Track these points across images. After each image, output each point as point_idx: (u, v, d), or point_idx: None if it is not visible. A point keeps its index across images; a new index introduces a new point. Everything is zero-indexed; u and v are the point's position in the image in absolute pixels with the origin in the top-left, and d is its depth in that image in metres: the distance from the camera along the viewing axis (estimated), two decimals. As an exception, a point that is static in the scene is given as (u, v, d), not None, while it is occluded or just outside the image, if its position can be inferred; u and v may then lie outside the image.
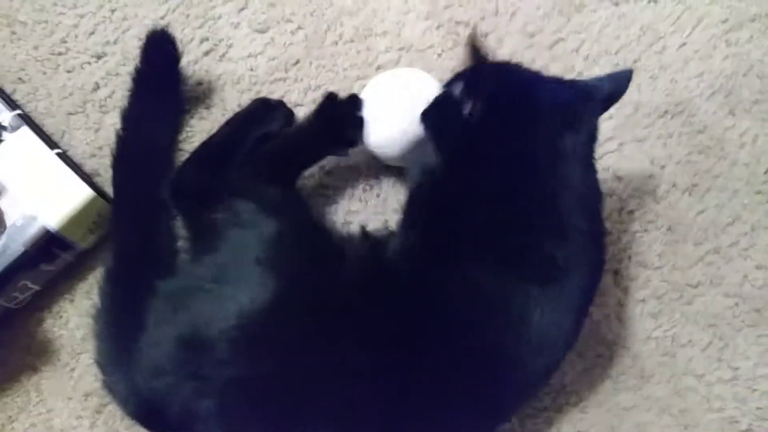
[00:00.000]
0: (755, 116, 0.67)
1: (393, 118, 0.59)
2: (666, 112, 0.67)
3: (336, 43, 0.68)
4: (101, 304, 0.58)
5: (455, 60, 0.68)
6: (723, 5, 0.70)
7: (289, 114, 0.63)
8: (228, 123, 0.63)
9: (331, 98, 0.61)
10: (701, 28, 0.69)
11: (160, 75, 0.64)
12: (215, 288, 0.51)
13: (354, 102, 0.60)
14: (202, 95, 0.67)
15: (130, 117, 0.62)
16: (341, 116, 0.60)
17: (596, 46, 0.68)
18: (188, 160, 0.61)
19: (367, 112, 0.60)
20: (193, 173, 0.60)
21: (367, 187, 0.65)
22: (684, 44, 0.69)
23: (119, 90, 0.67)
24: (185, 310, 0.52)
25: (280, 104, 0.64)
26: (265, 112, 0.63)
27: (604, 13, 0.69)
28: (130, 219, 0.60)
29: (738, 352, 0.62)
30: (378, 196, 0.65)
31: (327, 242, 0.56)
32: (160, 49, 0.63)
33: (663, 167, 0.66)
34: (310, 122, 0.61)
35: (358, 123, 0.59)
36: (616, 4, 0.70)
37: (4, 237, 0.58)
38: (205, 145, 0.62)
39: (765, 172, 0.66)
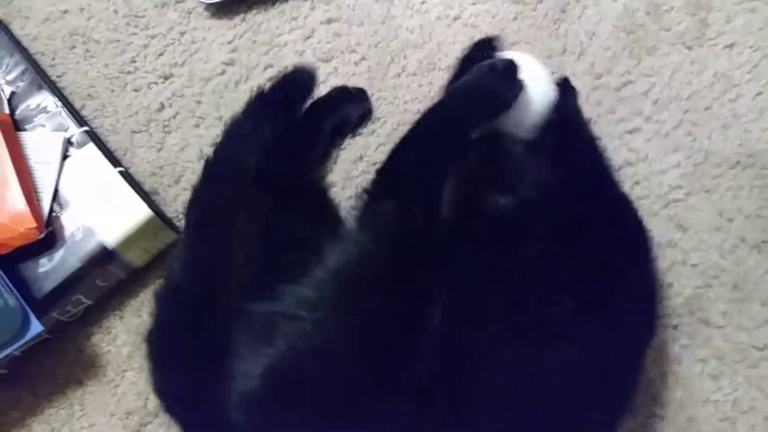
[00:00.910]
0: (835, 172, 0.64)
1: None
2: (738, 162, 0.64)
3: (399, 75, 0.68)
4: (162, 329, 0.54)
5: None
6: (804, 54, 0.67)
7: (368, 106, 0.66)
8: (306, 110, 0.63)
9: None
10: (780, 76, 0.66)
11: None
12: (312, 316, 0.47)
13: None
14: (263, 120, 0.68)
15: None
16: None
17: (666, 91, 0.66)
18: (271, 150, 0.59)
19: None
20: (275, 163, 0.58)
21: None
22: (760, 93, 0.66)
23: (183, 111, 0.68)
24: (282, 338, 0.47)
25: (359, 92, 0.66)
26: (342, 100, 0.65)
27: (677, 57, 0.67)
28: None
29: (806, 424, 0.58)
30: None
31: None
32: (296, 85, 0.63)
33: (731, 221, 0.63)
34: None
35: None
36: (690, 48, 0.67)
37: (63, 250, 0.60)
38: (286, 134, 0.60)
39: (842, 233, 0.62)
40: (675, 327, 0.61)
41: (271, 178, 0.57)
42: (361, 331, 0.47)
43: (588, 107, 0.65)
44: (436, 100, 0.57)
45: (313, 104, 0.64)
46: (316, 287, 0.48)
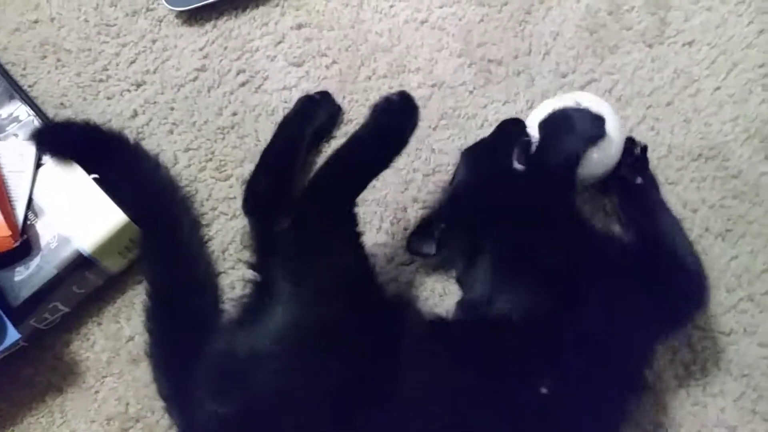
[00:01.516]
0: (792, 162, 0.66)
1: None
2: (700, 155, 0.66)
3: (369, 78, 0.69)
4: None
5: (487, 98, 0.68)
6: (759, 49, 0.69)
7: (336, 106, 0.67)
8: (280, 127, 0.65)
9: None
10: (737, 72, 0.69)
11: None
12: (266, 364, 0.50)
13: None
14: (236, 125, 0.68)
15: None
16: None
17: (629, 88, 0.68)
18: (254, 172, 0.62)
19: None
20: (259, 182, 0.61)
21: (395, 221, 0.66)
22: (719, 88, 0.68)
23: (156, 118, 0.68)
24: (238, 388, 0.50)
25: (324, 96, 0.67)
26: (312, 107, 0.66)
27: (638, 55, 0.69)
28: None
29: (772, 405, 0.60)
30: (405, 230, 0.65)
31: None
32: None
33: (695, 211, 0.65)
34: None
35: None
36: (650, 46, 0.70)
37: (38, 258, 0.60)
38: (266, 153, 0.63)
39: (801, 220, 0.64)
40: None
41: (259, 200, 0.61)
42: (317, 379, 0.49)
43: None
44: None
45: (286, 120, 0.66)
46: (269, 339, 0.50)
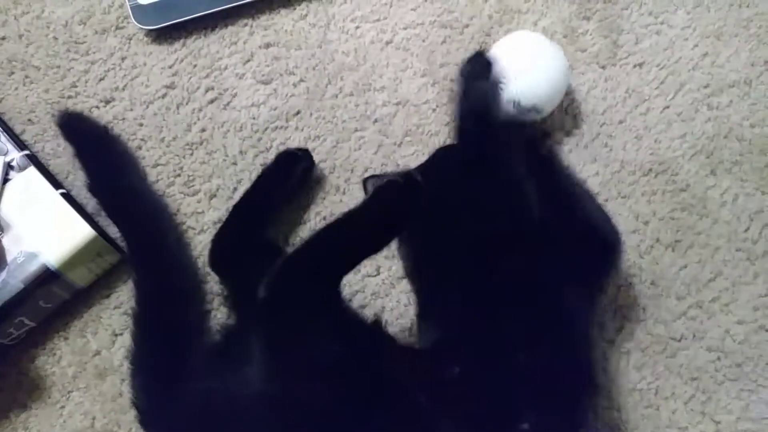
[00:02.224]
0: (735, 176, 0.70)
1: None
2: (650, 170, 0.70)
3: (336, 96, 0.71)
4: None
5: (449, 115, 0.71)
6: (704, 71, 0.74)
7: (312, 162, 0.67)
8: (256, 182, 0.65)
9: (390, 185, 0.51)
10: (684, 92, 0.73)
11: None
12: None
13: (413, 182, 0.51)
14: (205, 141, 0.70)
15: None
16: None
17: (584, 106, 0.72)
18: (222, 226, 0.63)
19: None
20: (228, 238, 0.62)
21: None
22: (667, 107, 0.72)
23: (125, 134, 0.69)
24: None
25: (304, 153, 0.66)
26: (290, 164, 0.66)
27: (592, 75, 0.73)
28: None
29: (720, 406, 0.63)
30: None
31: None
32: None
33: (647, 223, 0.68)
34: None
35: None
36: (603, 68, 0.73)
37: (4, 273, 0.60)
38: (237, 208, 0.64)
39: (745, 230, 0.68)
40: (601, 324, 0.65)
41: (227, 255, 0.62)
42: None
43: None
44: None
45: (263, 175, 0.66)
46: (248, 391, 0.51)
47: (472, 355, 0.52)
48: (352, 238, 0.51)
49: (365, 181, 0.67)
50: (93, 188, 0.64)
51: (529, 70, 0.64)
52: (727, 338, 0.65)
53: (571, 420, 0.52)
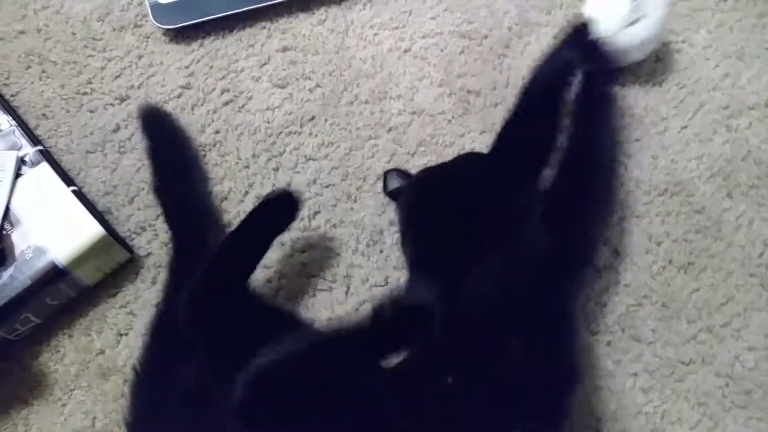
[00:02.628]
0: (752, 200, 0.69)
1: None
2: (665, 190, 0.69)
3: (351, 102, 0.71)
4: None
5: (464, 127, 0.71)
6: (724, 92, 0.73)
7: (296, 201, 0.60)
8: (234, 234, 0.59)
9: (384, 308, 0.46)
10: (703, 113, 0.72)
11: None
12: None
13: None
14: (218, 143, 0.69)
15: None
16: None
17: (600, 123, 0.71)
18: (199, 279, 0.56)
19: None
20: (205, 295, 0.56)
21: (371, 243, 0.67)
22: (686, 127, 0.72)
23: (139, 132, 0.69)
24: None
25: (286, 198, 0.60)
26: (273, 213, 0.60)
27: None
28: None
29: (728, 434, 0.62)
30: (381, 252, 0.67)
31: None
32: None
33: (660, 244, 0.67)
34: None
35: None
36: (622, 85, 0.73)
37: (12, 268, 0.60)
38: (214, 263, 0.57)
39: (759, 255, 0.67)
40: (608, 343, 0.65)
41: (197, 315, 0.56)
42: None
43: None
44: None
45: (248, 220, 0.60)
46: None
47: (465, 364, 0.51)
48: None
49: (386, 174, 0.67)
50: (158, 189, 0.64)
51: None
52: (736, 364, 0.64)
53: (557, 420, 0.52)
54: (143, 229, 0.66)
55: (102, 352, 0.63)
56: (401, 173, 0.66)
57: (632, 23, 0.67)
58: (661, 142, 0.71)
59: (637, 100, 0.72)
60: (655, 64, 0.73)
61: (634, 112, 0.72)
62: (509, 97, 0.72)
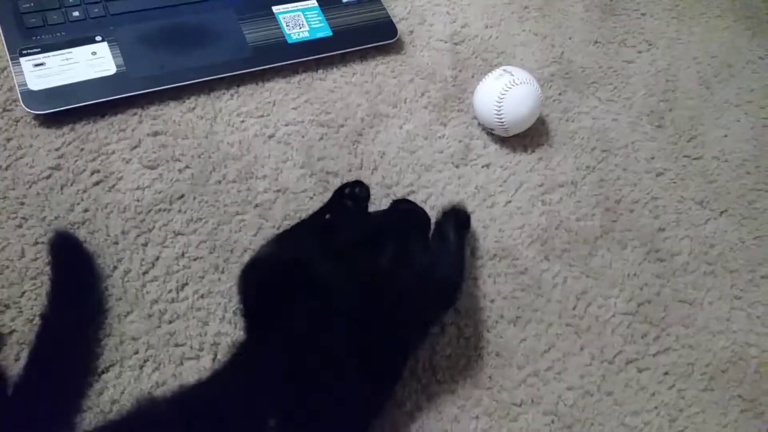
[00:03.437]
0: (565, 261, 0.83)
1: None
2: (495, 255, 0.81)
3: (219, 182, 0.77)
4: None
5: (322, 203, 0.79)
6: (540, 173, 0.88)
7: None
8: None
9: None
10: (523, 190, 0.86)
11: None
12: None
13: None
14: (87, 221, 0.72)
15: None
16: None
17: (441, 199, 0.83)
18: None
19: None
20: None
21: (238, 311, 0.72)
22: (509, 201, 0.85)
23: (5, 212, 0.70)
24: None
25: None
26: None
27: (448, 173, 0.85)
28: None
29: (555, 464, 0.72)
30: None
31: None
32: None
33: (493, 301, 0.78)
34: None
35: None
36: (457, 167, 0.85)
37: None
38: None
39: (573, 308, 0.80)
40: (453, 392, 0.73)
41: None
42: None
43: (380, 211, 0.80)
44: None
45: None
46: None
47: (289, 407, 0.58)
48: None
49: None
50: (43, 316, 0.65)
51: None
52: (559, 403, 0.75)
53: None
54: (7, 306, 0.66)
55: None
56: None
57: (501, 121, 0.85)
58: (490, 214, 0.84)
59: (469, 180, 0.85)
60: (483, 149, 0.87)
61: (467, 190, 0.84)
62: (363, 177, 0.82)
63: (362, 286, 0.64)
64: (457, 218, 0.77)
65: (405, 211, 0.75)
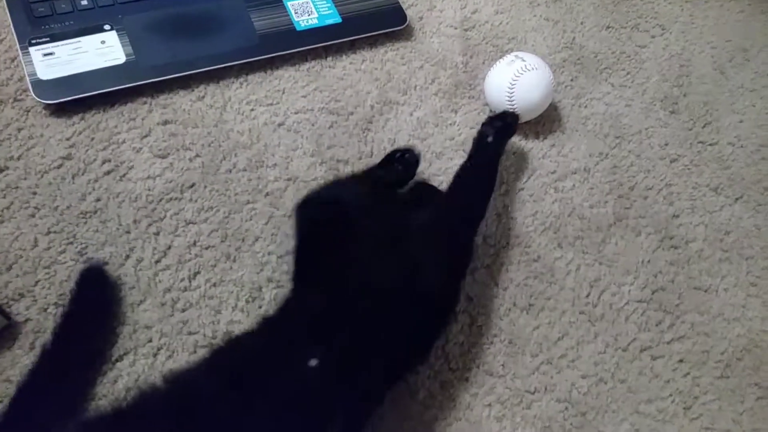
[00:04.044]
0: (577, 249, 0.82)
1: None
2: (508, 243, 0.80)
3: (230, 171, 0.77)
4: None
5: (334, 191, 0.79)
6: (552, 160, 0.87)
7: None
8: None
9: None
10: (535, 177, 0.85)
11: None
12: None
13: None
14: (99, 210, 0.72)
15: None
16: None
17: (452, 187, 0.82)
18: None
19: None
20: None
21: (250, 299, 0.72)
22: (522, 189, 0.84)
23: (18, 202, 0.71)
24: None
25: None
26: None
27: (459, 160, 0.84)
28: None
29: (569, 452, 0.72)
30: (260, 307, 0.72)
31: None
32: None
33: (506, 289, 0.78)
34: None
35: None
36: (466, 150, 0.85)
37: None
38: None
39: (587, 296, 0.79)
40: (466, 379, 0.73)
41: None
42: None
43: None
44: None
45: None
46: None
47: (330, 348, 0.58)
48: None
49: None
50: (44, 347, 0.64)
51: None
52: (573, 390, 0.74)
53: None
54: (21, 295, 0.67)
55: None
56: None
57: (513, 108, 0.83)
58: (503, 202, 0.83)
59: (481, 167, 0.84)
60: (495, 136, 0.87)
61: (479, 177, 0.84)
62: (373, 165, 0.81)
63: (405, 236, 0.66)
64: (504, 122, 0.78)
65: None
